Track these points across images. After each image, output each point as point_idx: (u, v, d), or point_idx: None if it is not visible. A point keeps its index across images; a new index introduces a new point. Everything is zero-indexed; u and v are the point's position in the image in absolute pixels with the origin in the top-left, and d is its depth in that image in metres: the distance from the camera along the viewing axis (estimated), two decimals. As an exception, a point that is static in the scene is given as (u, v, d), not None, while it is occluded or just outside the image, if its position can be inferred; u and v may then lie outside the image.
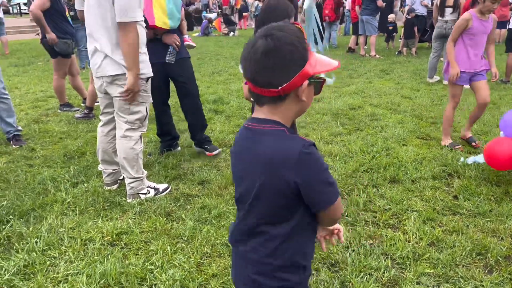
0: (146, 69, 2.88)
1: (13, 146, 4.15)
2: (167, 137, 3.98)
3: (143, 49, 2.86)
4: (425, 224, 2.67)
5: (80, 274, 2.19)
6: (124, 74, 2.77)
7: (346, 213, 2.80)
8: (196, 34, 17.11)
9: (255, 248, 1.18)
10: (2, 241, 2.50)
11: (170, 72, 3.69)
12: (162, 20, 3.41)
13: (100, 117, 3.11)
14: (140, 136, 2.98)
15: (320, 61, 1.11)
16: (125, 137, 2.90)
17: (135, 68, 2.77)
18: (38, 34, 6.28)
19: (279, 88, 1.07)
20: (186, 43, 3.87)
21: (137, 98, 2.85)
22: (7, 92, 4.13)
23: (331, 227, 1.35)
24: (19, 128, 4.30)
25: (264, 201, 1.14)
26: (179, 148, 4.09)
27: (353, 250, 2.39)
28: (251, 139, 1.14)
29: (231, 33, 16.83)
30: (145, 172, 3.10)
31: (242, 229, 1.21)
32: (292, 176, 1.06)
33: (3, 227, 2.64)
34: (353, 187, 3.20)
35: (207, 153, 3.95)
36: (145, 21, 3.34)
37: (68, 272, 2.22)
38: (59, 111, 5.62)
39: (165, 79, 3.74)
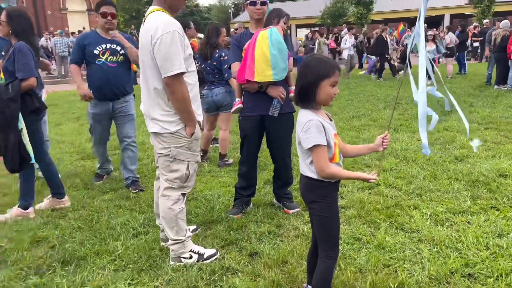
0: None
1: (133, 192, 4.31)
2: (248, 191, 3.72)
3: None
4: None
5: None
6: (161, 133, 2.66)
7: None
8: (363, 72, 16.57)
9: None
10: None
11: (268, 126, 3.52)
12: (264, 73, 3.24)
13: (157, 171, 3.07)
14: (182, 196, 2.79)
15: None
16: (164, 196, 2.77)
17: (192, 122, 2.68)
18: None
19: None
20: (291, 95, 3.60)
21: (178, 155, 2.70)
22: (136, 144, 4.54)
23: None
24: (137, 176, 4.55)
25: None
26: (251, 205, 3.80)
27: None
28: None
29: (401, 72, 15.66)
30: (190, 234, 2.89)
31: None
32: None
33: (47, 274, 2.77)
34: (434, 299, 2.32)
35: (285, 209, 3.67)
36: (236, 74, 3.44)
37: None
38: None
39: (261, 132, 3.60)
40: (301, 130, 1.99)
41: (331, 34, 26.42)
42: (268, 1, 3.52)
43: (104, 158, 4.70)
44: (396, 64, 16.38)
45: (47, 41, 19.52)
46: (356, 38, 19.44)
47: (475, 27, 21.24)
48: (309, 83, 1.98)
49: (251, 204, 3.80)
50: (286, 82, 3.53)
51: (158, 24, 2.50)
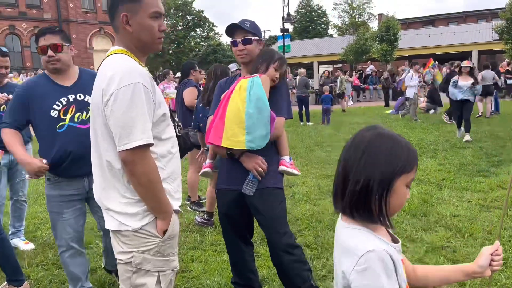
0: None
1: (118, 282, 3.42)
2: (248, 288, 2.74)
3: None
4: None
5: None
6: (120, 231, 1.79)
7: None
8: (390, 111, 15.62)
9: None
10: None
11: (250, 205, 2.54)
12: (235, 138, 2.34)
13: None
14: (150, 326, 1.87)
15: None
16: (124, 327, 1.85)
17: (164, 213, 1.80)
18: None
19: None
20: (282, 168, 2.57)
21: (144, 264, 1.80)
22: None
23: None
24: None
25: None
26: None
27: None
28: None
29: (431, 111, 14.62)
30: None
31: None
32: None
33: None
34: None
35: None
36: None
37: None
38: (188, 208, 5.10)
39: (241, 211, 2.60)
40: (353, 268, 1.10)
41: (354, 71, 25.78)
42: (252, 38, 2.54)
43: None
44: (424, 103, 15.35)
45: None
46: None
47: (508, 64, 20.18)
48: (377, 182, 1.12)
49: (257, 309, 2.82)
50: (275, 147, 2.57)
51: (113, 74, 1.68)
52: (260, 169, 2.42)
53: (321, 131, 11.35)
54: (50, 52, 2.58)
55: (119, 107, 1.65)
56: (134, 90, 1.65)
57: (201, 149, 4.67)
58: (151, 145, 1.70)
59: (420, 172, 6.32)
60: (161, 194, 1.77)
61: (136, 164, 1.67)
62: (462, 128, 8.80)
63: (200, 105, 4.13)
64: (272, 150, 2.53)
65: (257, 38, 2.57)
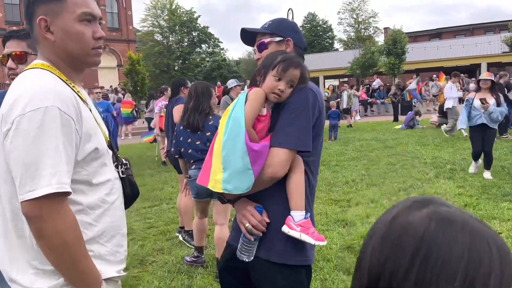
0: None
1: None
2: None
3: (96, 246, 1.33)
4: None
5: None
6: None
7: None
8: (400, 126, 15.03)
9: None
10: None
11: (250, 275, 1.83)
12: (215, 176, 1.69)
13: None
14: None
15: None
16: None
17: (86, 286, 1.27)
18: (163, 148, 5.64)
19: None
20: (284, 229, 1.63)
21: None
22: None
23: None
24: None
25: None
26: None
27: None
28: None
29: (443, 126, 14.00)
30: None
31: None
32: None
33: None
34: None
35: None
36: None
37: None
38: (180, 238, 4.54)
39: (245, 278, 1.83)
40: None
41: (361, 85, 25.27)
42: (266, 41, 1.89)
43: None
44: (436, 118, 14.74)
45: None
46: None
47: (521, 76, 19.56)
48: None
49: None
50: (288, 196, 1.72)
51: (19, 95, 1.19)
52: (248, 224, 1.66)
53: (328, 148, 10.78)
54: (9, 63, 1.98)
55: (22, 139, 1.15)
56: (44, 117, 1.16)
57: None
58: (67, 193, 1.18)
59: (438, 196, 5.71)
60: (83, 262, 1.24)
61: (44, 221, 1.15)
62: (480, 161, 6.90)
63: (181, 127, 3.58)
64: (274, 197, 1.71)
65: (279, 38, 1.87)
